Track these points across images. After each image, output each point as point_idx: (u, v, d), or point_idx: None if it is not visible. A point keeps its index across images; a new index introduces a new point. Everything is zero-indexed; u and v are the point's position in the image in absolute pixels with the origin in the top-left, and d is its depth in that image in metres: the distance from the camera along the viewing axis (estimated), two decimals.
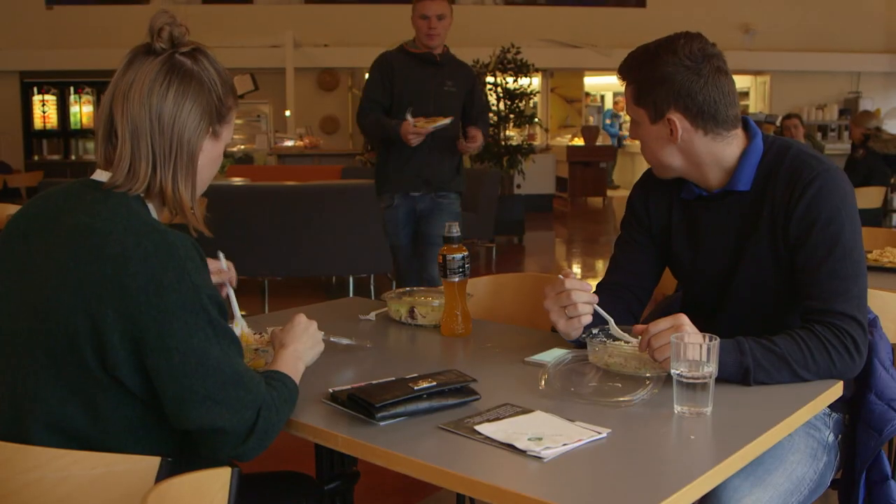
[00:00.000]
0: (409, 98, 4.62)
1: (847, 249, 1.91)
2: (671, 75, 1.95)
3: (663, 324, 1.78)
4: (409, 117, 4.50)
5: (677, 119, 1.97)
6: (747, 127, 2.07)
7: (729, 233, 2.07)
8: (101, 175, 1.63)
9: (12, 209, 5.91)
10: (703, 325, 1.82)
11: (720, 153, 2.02)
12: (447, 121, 4.52)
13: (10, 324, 1.56)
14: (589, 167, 14.99)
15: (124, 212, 1.55)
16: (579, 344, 2.02)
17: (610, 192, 16.05)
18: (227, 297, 2.12)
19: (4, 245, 1.62)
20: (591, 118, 17.95)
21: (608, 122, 17.41)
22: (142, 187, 1.60)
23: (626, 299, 2.19)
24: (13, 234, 1.62)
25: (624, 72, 2.05)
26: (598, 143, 15.62)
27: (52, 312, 1.49)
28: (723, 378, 1.73)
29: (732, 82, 2.01)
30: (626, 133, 16.10)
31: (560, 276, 1.95)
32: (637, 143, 2.14)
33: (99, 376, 1.50)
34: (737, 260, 2.06)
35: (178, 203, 1.64)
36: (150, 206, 1.65)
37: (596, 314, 1.95)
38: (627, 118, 2.00)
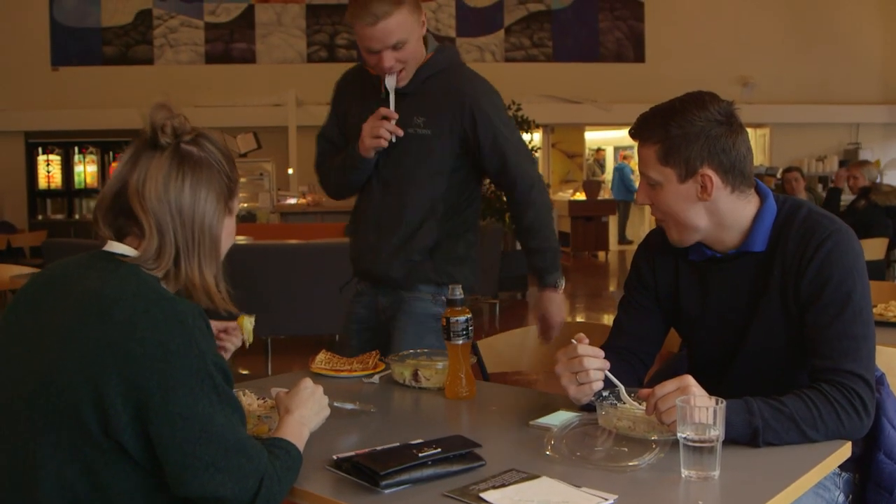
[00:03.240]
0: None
1: (858, 309, 1.91)
2: (705, 131, 1.94)
3: (669, 386, 1.76)
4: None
5: (711, 174, 1.96)
6: (757, 187, 2.07)
7: (740, 292, 2.07)
8: (112, 247, 1.66)
9: (15, 270, 5.92)
10: (710, 384, 1.81)
11: (740, 212, 2.03)
12: None
13: (12, 390, 1.56)
14: (591, 222, 15.02)
15: (134, 280, 1.58)
16: (584, 406, 2.01)
17: (623, 247, 16.10)
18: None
19: (11, 313, 1.65)
20: (599, 172, 17.90)
21: (632, 176, 17.06)
22: (161, 273, 1.64)
23: (631, 363, 2.18)
24: (21, 303, 1.66)
25: (644, 133, 2.02)
26: (600, 197, 15.66)
27: (56, 376, 1.50)
28: (731, 438, 1.72)
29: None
30: None
31: (573, 340, 1.94)
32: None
33: (100, 441, 1.49)
34: (748, 319, 2.05)
35: (205, 289, 1.69)
36: (164, 285, 1.68)
37: (606, 379, 1.94)
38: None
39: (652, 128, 2.00)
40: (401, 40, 2.71)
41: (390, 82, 2.80)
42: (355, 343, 3.02)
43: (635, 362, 2.20)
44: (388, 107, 2.82)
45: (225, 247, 1.77)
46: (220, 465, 1.49)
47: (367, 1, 2.67)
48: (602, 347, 2.02)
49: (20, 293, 1.68)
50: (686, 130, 1.95)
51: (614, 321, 2.28)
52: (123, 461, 1.52)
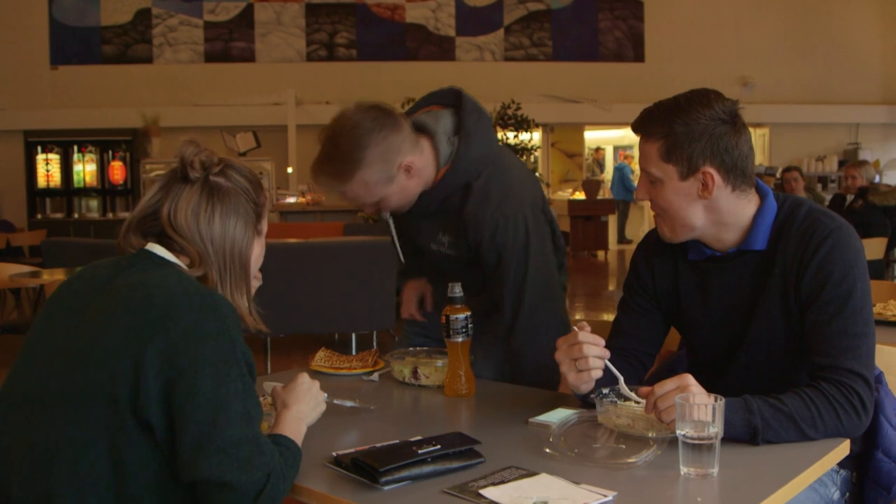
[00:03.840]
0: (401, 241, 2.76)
1: (858, 307, 1.91)
2: (710, 129, 1.93)
3: (669, 384, 1.76)
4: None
5: (713, 172, 1.95)
6: (757, 186, 2.07)
7: (740, 291, 2.06)
8: (154, 248, 1.74)
9: (14, 269, 5.92)
10: (710, 383, 1.81)
11: (740, 212, 2.02)
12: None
13: (45, 372, 1.62)
14: (590, 221, 15.03)
15: (176, 275, 1.68)
16: (584, 401, 2.01)
17: (622, 247, 16.10)
18: None
19: (49, 305, 1.74)
20: (598, 171, 17.89)
21: (632, 176, 17.00)
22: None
23: (630, 363, 2.17)
24: (61, 297, 1.74)
25: (648, 128, 2.00)
26: (599, 196, 15.66)
27: (95, 355, 1.57)
28: (730, 437, 1.72)
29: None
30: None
31: (575, 328, 1.93)
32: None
33: (127, 419, 1.54)
34: (748, 318, 2.05)
35: (238, 311, 1.75)
36: None
37: (606, 370, 1.93)
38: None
39: (655, 124, 1.98)
40: (367, 203, 2.42)
41: (385, 215, 2.57)
42: (406, 332, 2.95)
43: (635, 363, 2.19)
44: (391, 228, 2.64)
45: (255, 267, 1.87)
46: (230, 450, 1.52)
47: (316, 168, 2.39)
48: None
49: (58, 289, 1.76)
50: (690, 128, 1.93)
51: (613, 322, 2.28)
52: (145, 443, 1.55)
